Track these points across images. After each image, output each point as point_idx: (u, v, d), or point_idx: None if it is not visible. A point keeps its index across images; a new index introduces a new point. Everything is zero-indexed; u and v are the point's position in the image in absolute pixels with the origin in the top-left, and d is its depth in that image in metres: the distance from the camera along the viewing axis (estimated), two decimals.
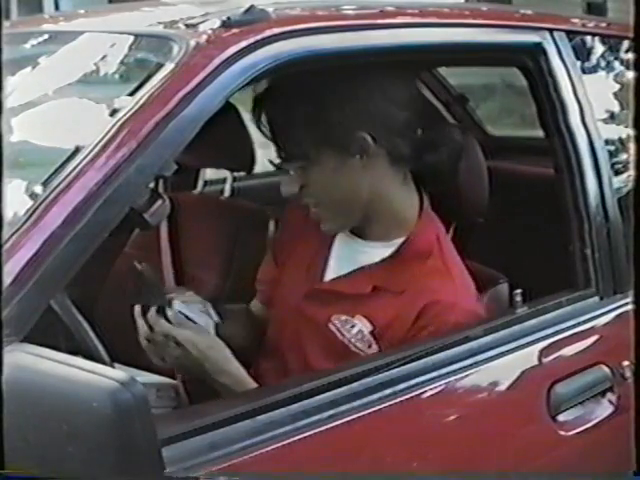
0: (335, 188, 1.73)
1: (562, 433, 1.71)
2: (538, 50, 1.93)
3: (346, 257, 1.82)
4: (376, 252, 1.78)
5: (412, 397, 1.53)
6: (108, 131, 1.36)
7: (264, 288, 1.98)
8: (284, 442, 1.36)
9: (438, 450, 1.56)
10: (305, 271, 1.85)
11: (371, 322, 1.72)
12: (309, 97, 1.70)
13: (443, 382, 1.58)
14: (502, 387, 1.71)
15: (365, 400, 1.47)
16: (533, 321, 1.78)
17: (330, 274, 1.83)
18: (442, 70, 3.04)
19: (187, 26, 1.62)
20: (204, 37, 1.54)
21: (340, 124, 1.68)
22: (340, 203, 1.75)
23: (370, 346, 1.72)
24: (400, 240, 1.77)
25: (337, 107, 1.68)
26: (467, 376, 1.63)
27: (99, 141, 1.34)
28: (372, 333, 1.72)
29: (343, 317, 1.74)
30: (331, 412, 1.42)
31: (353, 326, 1.73)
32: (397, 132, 1.72)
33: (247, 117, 2.26)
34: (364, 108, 1.70)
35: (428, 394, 1.57)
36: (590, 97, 1.98)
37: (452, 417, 1.63)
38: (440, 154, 1.80)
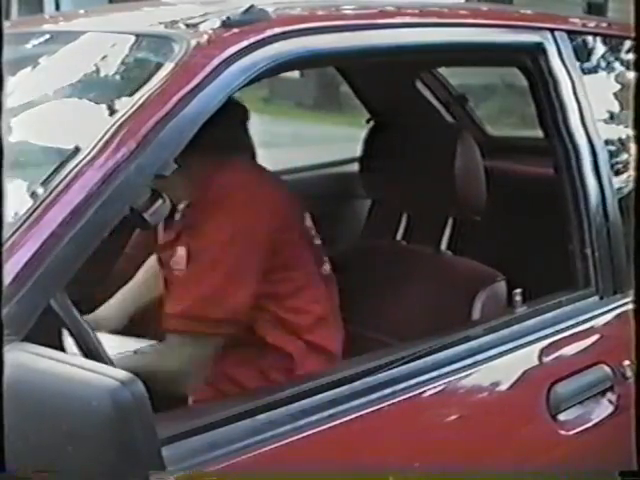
0: None
1: (562, 433, 1.71)
2: (538, 50, 1.93)
3: None
4: None
5: (412, 397, 1.53)
6: (107, 131, 1.36)
7: None
8: (284, 441, 1.36)
9: (438, 450, 1.56)
10: None
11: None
12: None
13: (443, 382, 1.59)
14: (502, 387, 1.71)
15: (365, 399, 1.47)
16: (533, 321, 1.78)
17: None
18: (442, 70, 3.04)
19: (187, 26, 1.63)
20: (204, 37, 1.54)
21: None
22: None
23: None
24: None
25: None
26: (467, 376, 1.63)
27: (99, 141, 1.34)
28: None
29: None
30: (331, 411, 1.42)
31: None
32: None
33: None
34: None
35: (428, 394, 1.57)
36: (590, 97, 1.98)
37: (452, 417, 1.63)
38: None
